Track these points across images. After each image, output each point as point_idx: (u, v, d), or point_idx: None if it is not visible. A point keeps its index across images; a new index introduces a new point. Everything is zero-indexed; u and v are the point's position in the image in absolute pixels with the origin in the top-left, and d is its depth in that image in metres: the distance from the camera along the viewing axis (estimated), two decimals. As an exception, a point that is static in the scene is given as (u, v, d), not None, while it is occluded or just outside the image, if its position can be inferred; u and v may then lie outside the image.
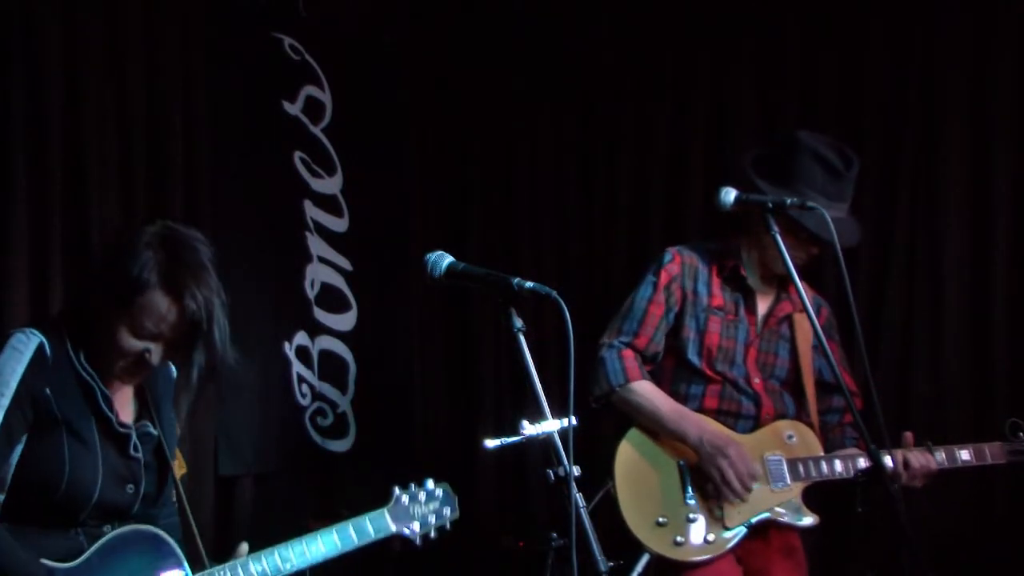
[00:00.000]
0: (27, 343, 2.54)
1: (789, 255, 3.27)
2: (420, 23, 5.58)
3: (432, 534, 2.99)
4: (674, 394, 3.55)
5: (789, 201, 3.26)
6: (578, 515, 2.35)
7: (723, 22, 5.23)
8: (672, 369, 3.60)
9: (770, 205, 3.27)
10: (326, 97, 5.22)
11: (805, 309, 3.29)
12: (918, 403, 4.75)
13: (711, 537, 3.40)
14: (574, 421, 2.43)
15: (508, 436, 2.54)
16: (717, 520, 3.41)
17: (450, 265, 2.53)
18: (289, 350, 4.97)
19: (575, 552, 2.34)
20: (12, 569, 2.43)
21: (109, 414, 2.62)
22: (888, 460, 3.36)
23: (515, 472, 5.45)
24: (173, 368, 2.81)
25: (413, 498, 2.96)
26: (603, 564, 2.37)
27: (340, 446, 5.18)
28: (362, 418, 5.24)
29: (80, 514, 2.57)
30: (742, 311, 3.58)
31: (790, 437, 3.52)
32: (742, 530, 3.42)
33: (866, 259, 4.83)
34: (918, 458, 3.40)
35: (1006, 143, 4.65)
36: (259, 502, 4.78)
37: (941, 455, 3.45)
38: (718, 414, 3.51)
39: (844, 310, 3.46)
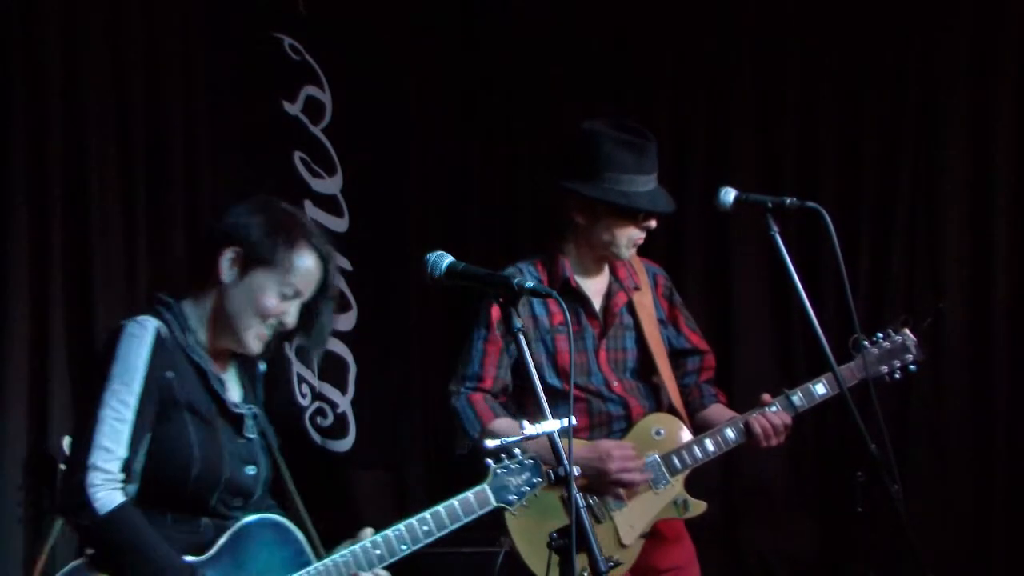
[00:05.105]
0: (145, 329, 2.52)
1: (629, 240, 3.40)
2: (420, 23, 5.57)
3: (524, 502, 2.91)
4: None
5: (788, 201, 3.25)
6: (578, 515, 2.35)
7: (723, 24, 5.23)
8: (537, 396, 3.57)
9: (769, 205, 3.25)
10: (326, 97, 5.21)
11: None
12: (918, 403, 4.76)
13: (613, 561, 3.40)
14: (574, 421, 2.44)
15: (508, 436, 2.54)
16: (615, 542, 3.37)
17: (450, 265, 2.52)
18: (289, 350, 4.94)
19: (575, 552, 2.34)
20: (157, 562, 2.42)
21: (223, 395, 2.65)
22: (736, 434, 3.42)
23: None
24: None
25: (508, 471, 2.87)
26: (603, 564, 2.37)
27: (340, 446, 5.18)
28: (362, 418, 5.24)
29: (211, 497, 2.58)
30: (584, 319, 3.52)
31: (658, 433, 3.47)
32: (640, 542, 3.40)
33: (866, 259, 4.83)
34: (754, 424, 3.39)
35: (1007, 142, 4.66)
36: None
37: (799, 396, 3.43)
38: (591, 429, 3.45)
39: (844, 311, 3.46)
